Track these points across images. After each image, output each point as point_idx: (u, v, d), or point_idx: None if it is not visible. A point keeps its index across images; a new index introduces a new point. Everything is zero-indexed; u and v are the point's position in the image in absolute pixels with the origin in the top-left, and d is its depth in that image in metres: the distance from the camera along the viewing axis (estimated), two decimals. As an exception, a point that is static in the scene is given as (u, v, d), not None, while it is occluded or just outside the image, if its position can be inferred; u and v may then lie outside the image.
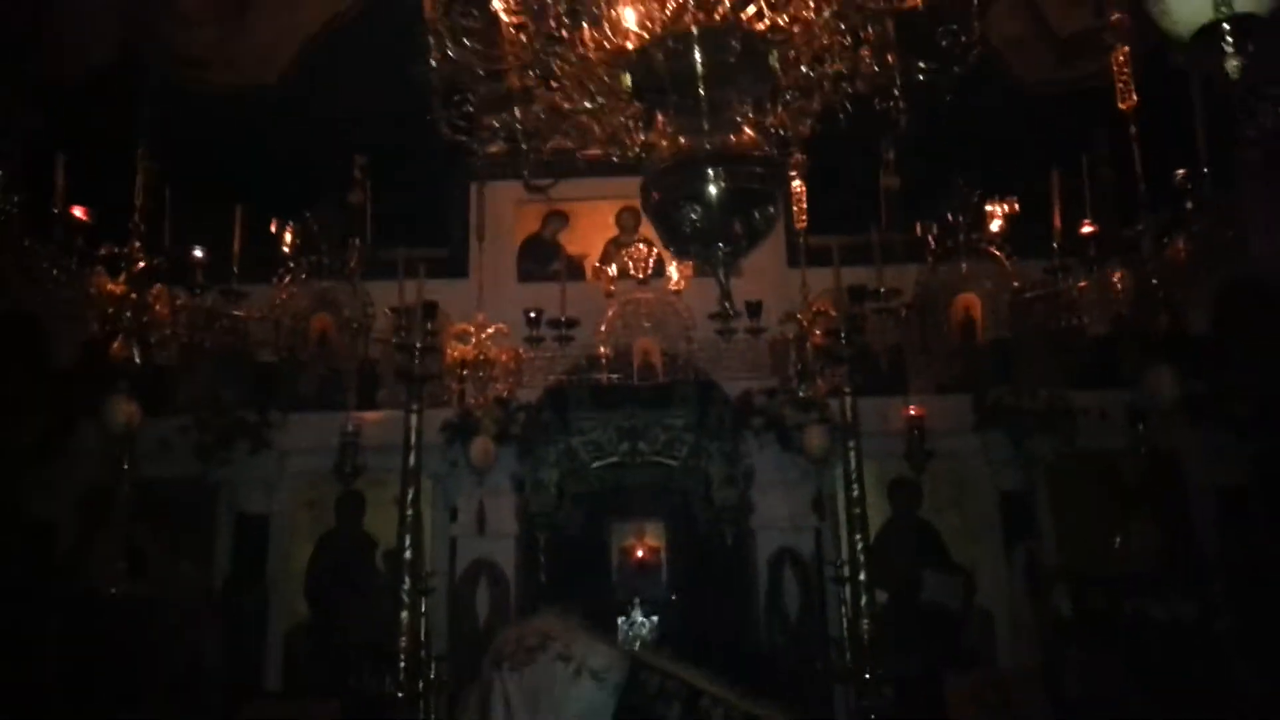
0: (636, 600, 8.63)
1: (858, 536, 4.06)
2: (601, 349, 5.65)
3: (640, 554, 9.49)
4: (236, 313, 5.27)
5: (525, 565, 6.01)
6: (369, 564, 5.77)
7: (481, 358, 5.34)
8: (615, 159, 3.23)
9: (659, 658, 3.72)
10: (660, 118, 2.99)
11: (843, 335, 4.17)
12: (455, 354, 5.37)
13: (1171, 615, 4.31)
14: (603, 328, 5.67)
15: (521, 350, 5.60)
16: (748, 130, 2.92)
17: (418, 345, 4.24)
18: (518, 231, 6.37)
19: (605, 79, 3.01)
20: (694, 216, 2.89)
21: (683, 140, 2.89)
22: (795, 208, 5.24)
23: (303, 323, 5.35)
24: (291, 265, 5.48)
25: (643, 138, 3.11)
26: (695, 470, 7.08)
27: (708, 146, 2.84)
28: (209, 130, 5.31)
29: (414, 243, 5.29)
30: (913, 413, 5.49)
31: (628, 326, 5.68)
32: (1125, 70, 3.83)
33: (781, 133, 3.21)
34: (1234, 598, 4.38)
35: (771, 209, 3.04)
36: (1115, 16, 3.83)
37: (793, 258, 5.93)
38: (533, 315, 5.32)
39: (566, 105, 3.11)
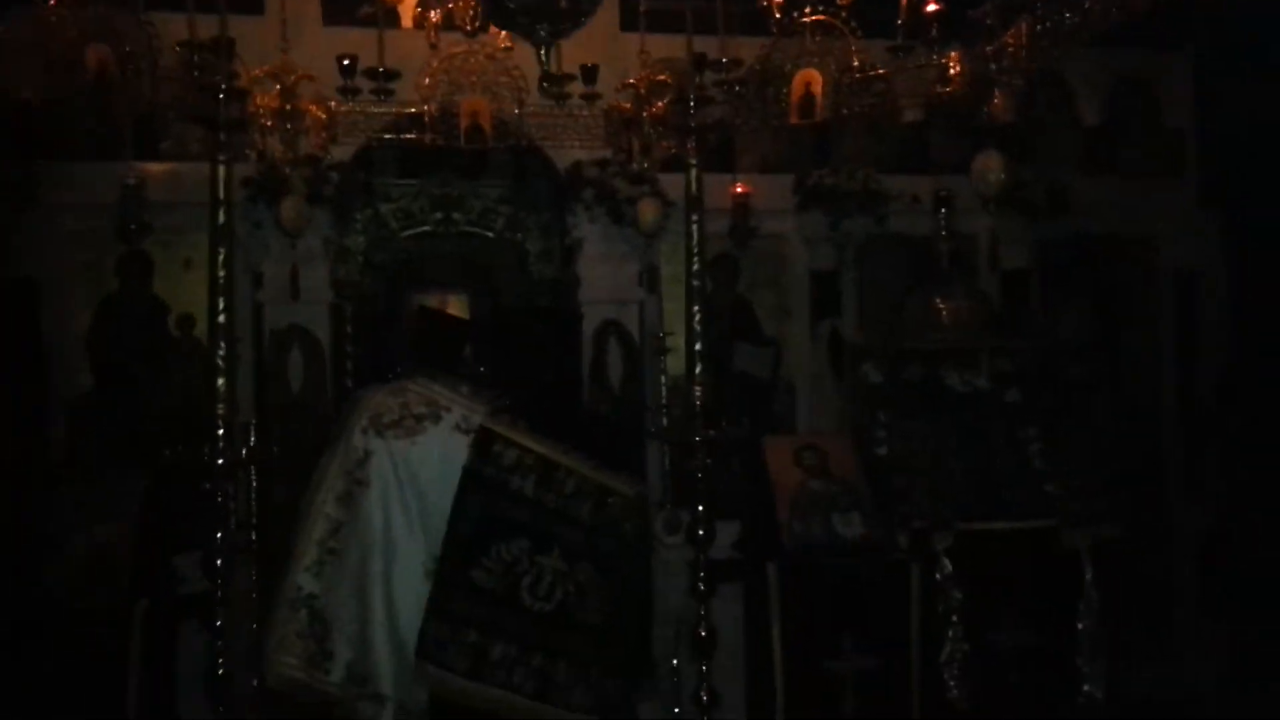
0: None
1: (696, 308, 4.10)
2: (425, 106, 5.21)
3: (442, 326, 9.35)
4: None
5: (338, 334, 5.76)
6: (161, 330, 5.34)
7: (289, 108, 4.80)
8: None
9: (514, 430, 3.71)
10: None
11: (690, 104, 4.02)
12: (259, 101, 4.80)
13: (970, 385, 4.75)
14: (426, 82, 5.21)
15: (334, 103, 5.09)
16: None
17: (223, 85, 3.74)
18: (321, -33, 5.63)
19: None
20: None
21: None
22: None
23: (75, 54, 4.56)
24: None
25: None
26: (509, 243, 6.93)
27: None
28: None
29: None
30: (740, 191, 5.52)
31: (454, 84, 5.25)
32: None
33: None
34: (1019, 371, 4.88)
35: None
36: None
37: (626, 21, 5.62)
38: (346, 63, 4.80)
39: None
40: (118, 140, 5.24)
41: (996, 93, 4.44)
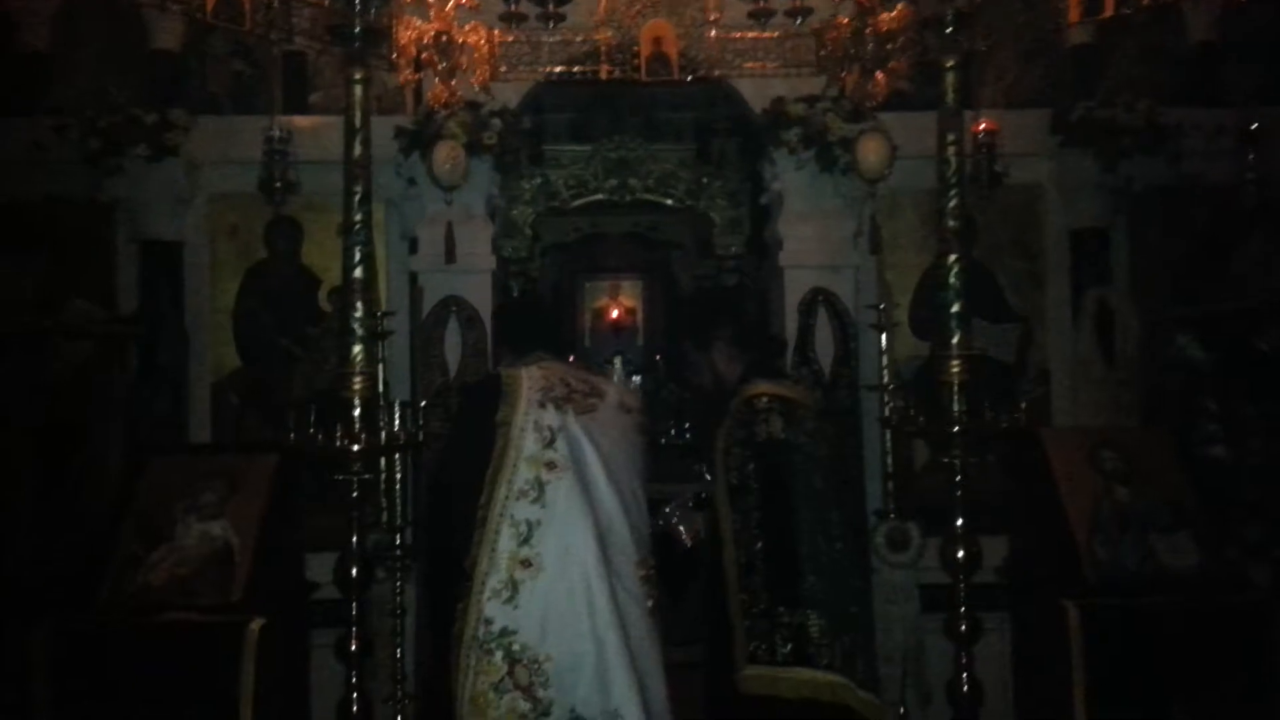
0: (618, 360, 7.86)
1: (954, 258, 3.11)
2: (600, 33, 4.41)
3: (615, 315, 8.65)
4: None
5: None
6: (312, 305, 4.77)
7: (446, 39, 4.11)
8: None
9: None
10: None
11: (949, -16, 3.04)
12: (412, 33, 4.13)
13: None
14: (601, 6, 4.42)
15: (498, 32, 4.36)
16: None
17: (360, -16, 3.05)
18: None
19: None
20: None
21: None
22: None
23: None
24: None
25: None
26: (691, 213, 6.13)
27: None
28: None
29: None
30: (984, 128, 4.44)
31: (633, 6, 4.43)
32: None
33: None
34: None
35: None
36: None
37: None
38: (511, -16, 4.06)
39: None
40: (265, 91, 4.74)
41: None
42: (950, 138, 3.12)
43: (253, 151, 4.45)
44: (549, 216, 6.19)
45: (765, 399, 3.17)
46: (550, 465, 2.84)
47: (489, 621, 2.69)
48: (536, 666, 2.67)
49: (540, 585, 2.72)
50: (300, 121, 4.58)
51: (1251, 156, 4.35)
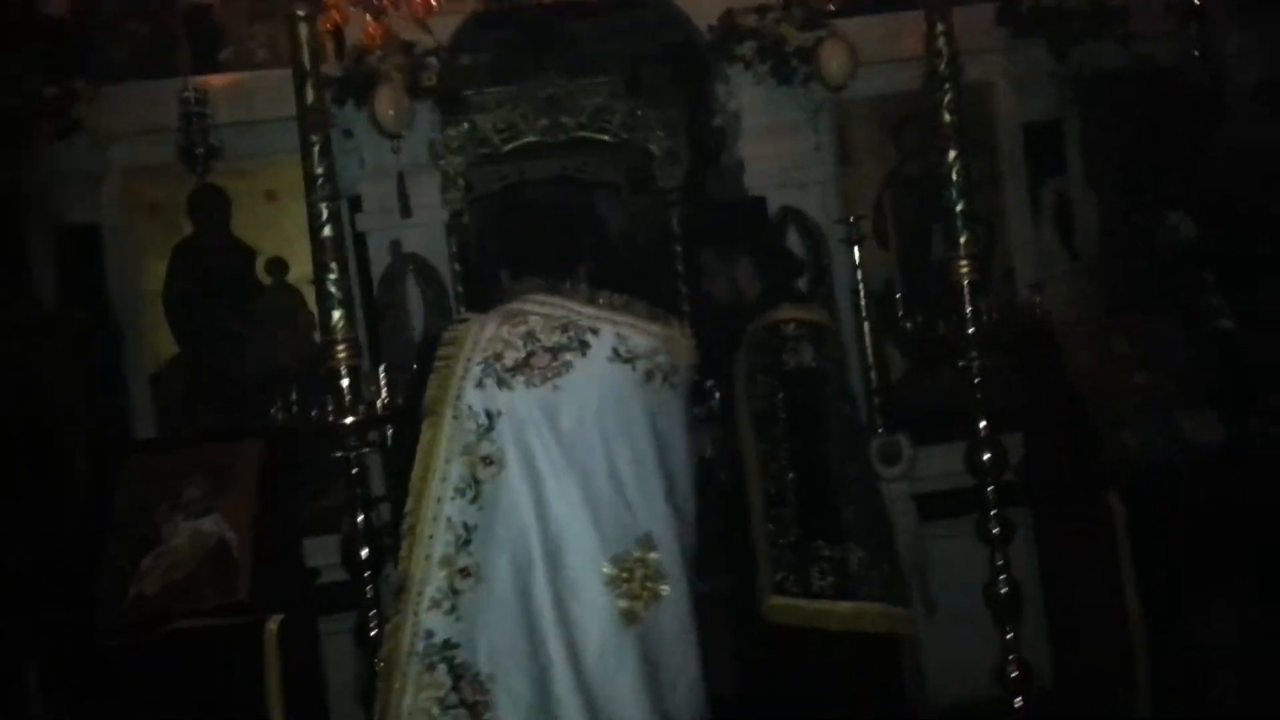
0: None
1: (953, 154, 3.00)
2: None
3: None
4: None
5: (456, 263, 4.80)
6: (249, 278, 4.45)
7: (374, -29, 3.81)
8: None
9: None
10: None
11: None
12: (334, -32, 3.82)
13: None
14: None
15: (429, -42, 4.07)
16: None
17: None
18: None
19: None
20: None
21: None
22: None
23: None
24: None
25: None
26: (628, 148, 5.92)
27: None
28: None
29: None
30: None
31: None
32: None
33: None
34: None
35: None
36: None
37: None
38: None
39: None
40: (171, 52, 4.34)
41: None
42: (940, 28, 2.98)
43: (166, 118, 4.10)
44: (479, 165, 5.91)
45: (793, 325, 3.04)
46: (486, 460, 2.42)
47: (430, 634, 2.37)
48: (479, 686, 2.37)
49: (481, 598, 2.39)
50: (215, 81, 4.22)
51: (1195, 31, 4.35)
